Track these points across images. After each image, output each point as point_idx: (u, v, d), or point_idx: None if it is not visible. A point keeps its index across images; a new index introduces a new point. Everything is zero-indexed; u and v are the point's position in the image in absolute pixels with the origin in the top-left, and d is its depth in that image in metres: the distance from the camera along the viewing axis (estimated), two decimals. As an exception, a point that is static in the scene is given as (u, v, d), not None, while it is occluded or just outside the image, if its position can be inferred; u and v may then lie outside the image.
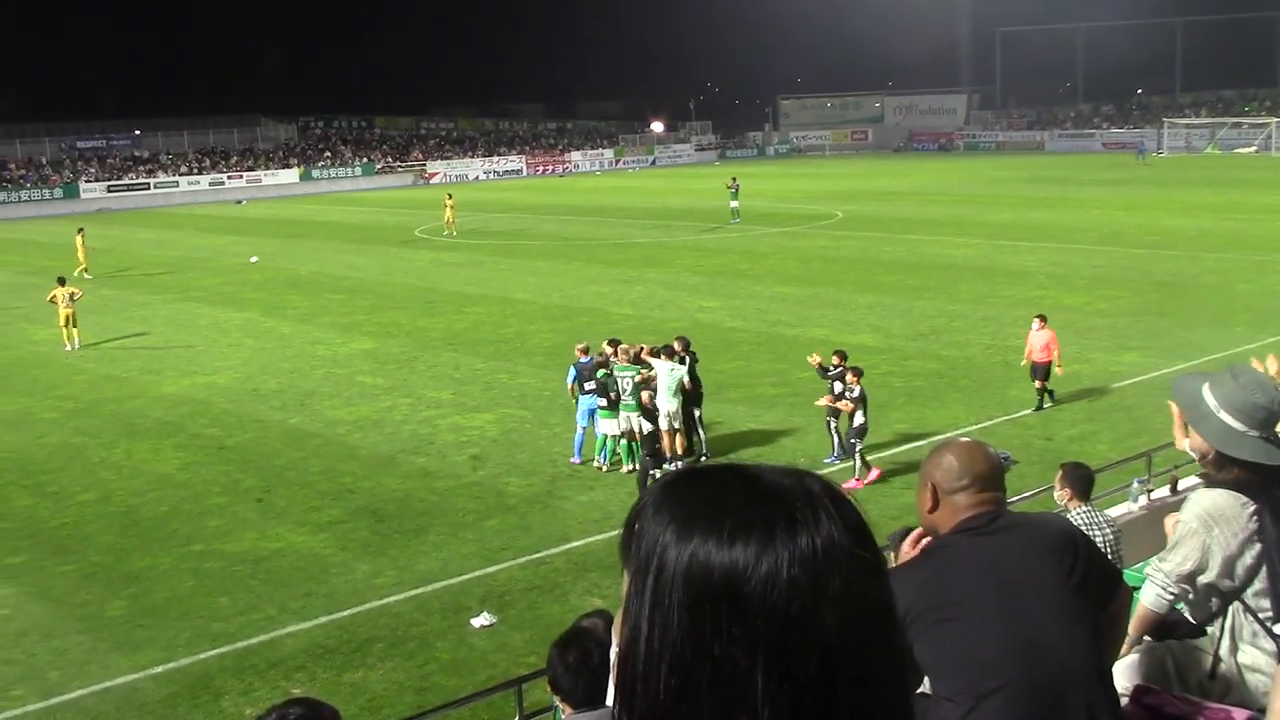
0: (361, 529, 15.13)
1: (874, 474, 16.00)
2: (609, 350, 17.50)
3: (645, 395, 16.02)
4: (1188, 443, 4.01)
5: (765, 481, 1.23)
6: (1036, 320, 18.96)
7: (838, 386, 16.47)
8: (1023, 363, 19.16)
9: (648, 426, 15.92)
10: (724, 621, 1.15)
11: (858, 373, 16.26)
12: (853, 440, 16.07)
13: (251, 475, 17.50)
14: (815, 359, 17.14)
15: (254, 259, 42.16)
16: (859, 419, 15.95)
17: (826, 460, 16.68)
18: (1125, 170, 69.00)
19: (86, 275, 38.02)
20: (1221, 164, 72.43)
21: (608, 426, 16.78)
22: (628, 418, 16.61)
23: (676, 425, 16.94)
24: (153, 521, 15.70)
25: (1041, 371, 18.60)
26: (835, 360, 16.74)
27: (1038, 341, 18.65)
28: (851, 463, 16.24)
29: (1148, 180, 61.70)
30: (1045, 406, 18.79)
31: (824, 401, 16.62)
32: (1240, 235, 38.17)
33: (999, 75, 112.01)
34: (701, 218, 50.24)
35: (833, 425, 16.82)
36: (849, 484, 15.52)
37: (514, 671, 10.16)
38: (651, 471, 15.26)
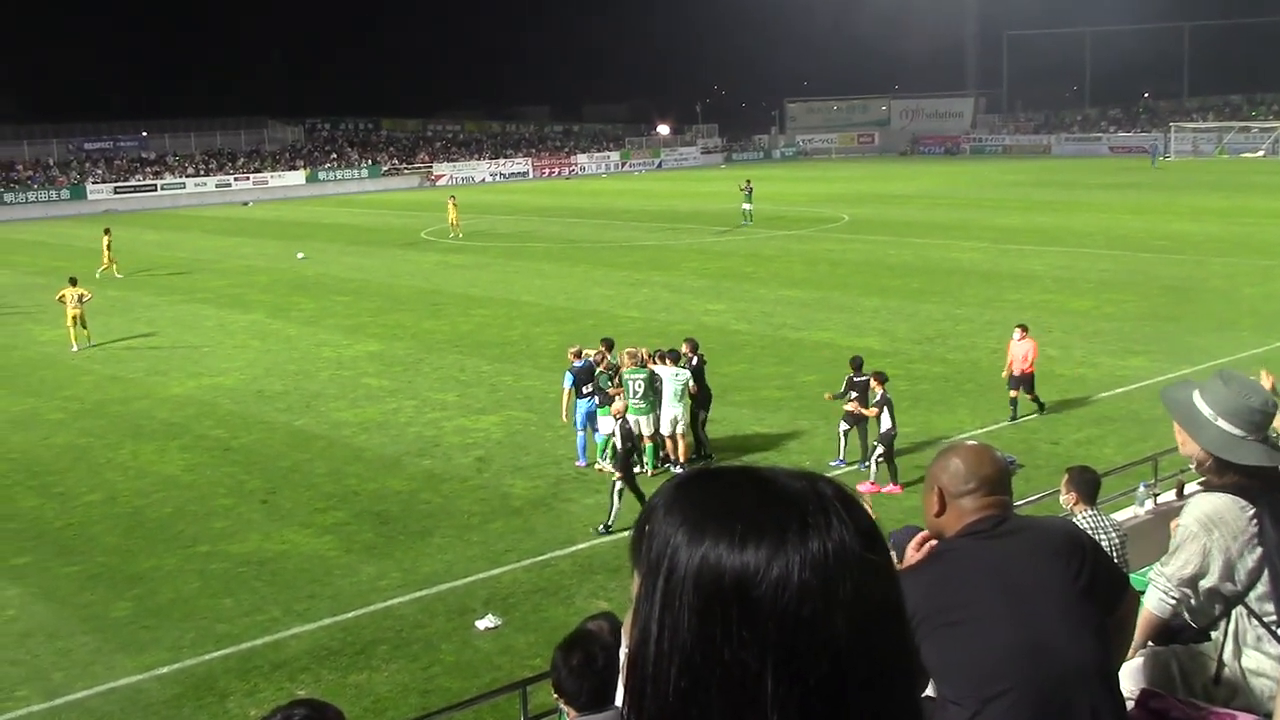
0: (366, 531, 15.14)
1: (893, 488, 15.67)
2: (602, 350, 17.60)
3: (617, 406, 15.57)
4: (1185, 450, 4.00)
5: (777, 484, 1.22)
6: (1018, 330, 18.61)
7: (853, 393, 16.44)
8: (1003, 374, 18.95)
9: (644, 430, 15.44)
10: (734, 625, 1.15)
11: (881, 378, 16.15)
12: (876, 444, 15.92)
13: (257, 477, 17.52)
14: (828, 397, 17.08)
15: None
16: (886, 424, 15.75)
17: (833, 464, 16.64)
18: (1132, 174, 68.93)
19: (98, 275, 38.25)
20: (1229, 168, 72.34)
21: (608, 426, 16.74)
22: (636, 421, 16.61)
23: (680, 430, 16.93)
24: (158, 522, 15.72)
25: (1026, 382, 18.31)
26: (851, 371, 16.70)
27: (1019, 352, 18.35)
28: (865, 468, 16.26)
29: (1155, 184, 61.64)
30: (1011, 419, 18.46)
31: (853, 407, 16.42)
32: (1247, 240, 38.12)
33: (1005, 79, 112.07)
34: (707, 220, 50.26)
35: (843, 429, 16.75)
36: (863, 486, 15.45)
37: (518, 674, 10.16)
38: (614, 479, 14.92)
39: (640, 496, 14.54)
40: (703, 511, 1.20)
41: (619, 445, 15.11)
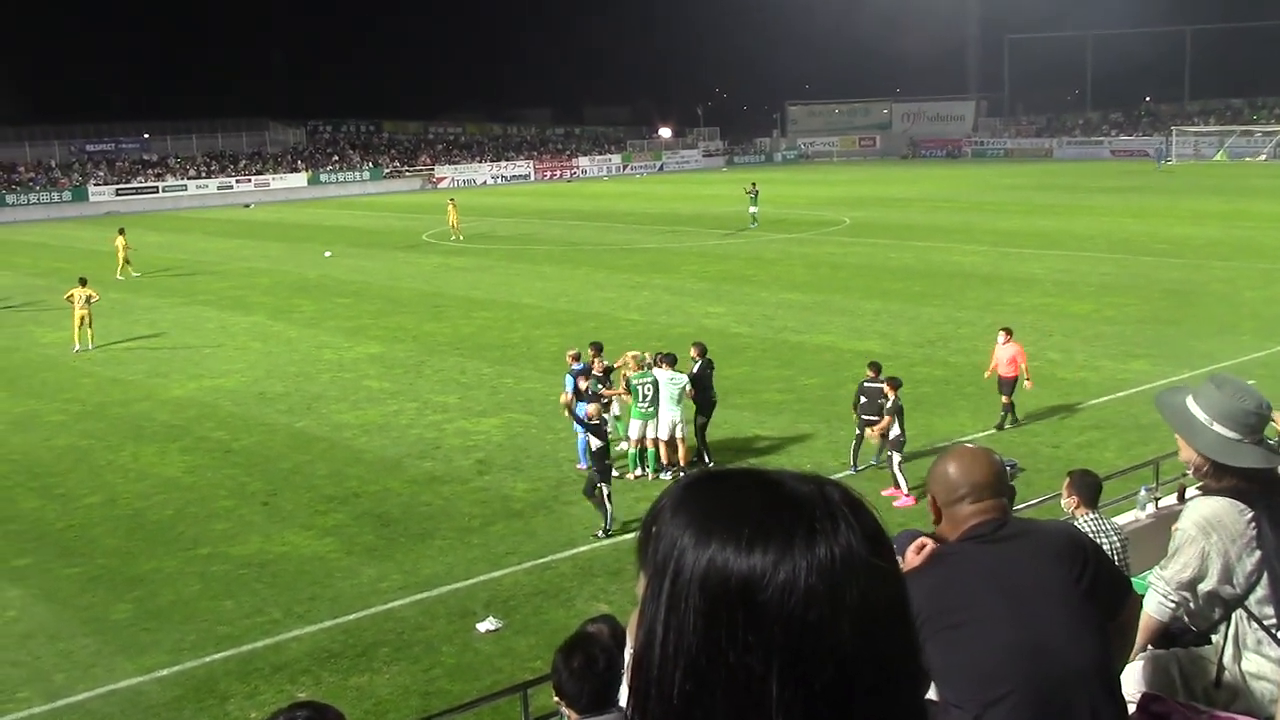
0: (367, 533, 15.15)
1: (897, 494, 15.59)
2: (591, 354, 17.62)
3: (591, 409, 15.34)
4: (1183, 455, 4.00)
5: (784, 487, 1.22)
6: (1002, 333, 18.45)
7: (863, 398, 16.40)
8: (985, 375, 18.88)
9: (596, 443, 15.26)
10: (740, 628, 1.15)
11: (894, 384, 16.11)
12: (891, 453, 15.87)
13: (257, 479, 17.52)
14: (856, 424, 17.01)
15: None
16: (895, 431, 15.71)
17: (855, 467, 16.64)
18: (1133, 178, 68.92)
19: (134, 275, 38.98)
20: (1230, 172, 72.35)
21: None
22: (641, 424, 16.61)
23: (679, 435, 16.88)
24: (159, 524, 15.73)
25: (1007, 387, 18.09)
26: (870, 374, 16.63)
27: (1004, 355, 18.14)
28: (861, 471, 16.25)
29: (1156, 188, 61.63)
30: (1011, 424, 18.26)
31: (884, 425, 16.28)
32: (1248, 243, 38.11)
33: (1007, 82, 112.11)
34: (708, 223, 50.28)
35: (858, 431, 16.72)
36: (901, 501, 15.32)
37: (519, 676, 10.15)
38: (599, 485, 14.76)
39: (600, 504, 14.57)
40: (709, 514, 1.20)
41: (591, 446, 15.03)
